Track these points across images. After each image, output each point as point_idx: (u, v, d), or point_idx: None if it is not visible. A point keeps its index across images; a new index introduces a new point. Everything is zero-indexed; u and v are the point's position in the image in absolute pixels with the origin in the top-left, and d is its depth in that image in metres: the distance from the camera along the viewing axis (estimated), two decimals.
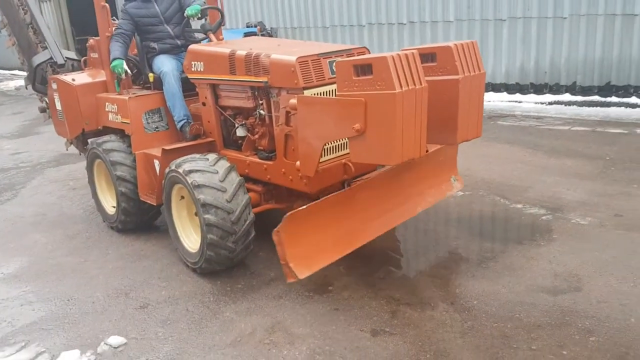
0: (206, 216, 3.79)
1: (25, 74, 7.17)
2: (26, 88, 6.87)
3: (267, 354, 3.23)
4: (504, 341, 3.17)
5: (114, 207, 5.11)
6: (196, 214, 4.08)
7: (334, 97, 3.55)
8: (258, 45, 4.23)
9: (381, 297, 3.72)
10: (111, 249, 4.88)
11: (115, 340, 3.46)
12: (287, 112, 3.80)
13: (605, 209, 4.81)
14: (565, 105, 8.63)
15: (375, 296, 3.74)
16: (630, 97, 8.40)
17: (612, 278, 3.73)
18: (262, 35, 11.81)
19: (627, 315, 3.31)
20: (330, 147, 3.87)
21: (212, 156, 4.07)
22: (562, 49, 8.86)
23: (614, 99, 8.51)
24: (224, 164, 3.98)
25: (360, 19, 11.08)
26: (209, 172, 3.89)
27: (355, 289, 3.85)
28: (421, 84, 3.14)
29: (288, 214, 3.37)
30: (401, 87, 3.02)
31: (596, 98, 8.66)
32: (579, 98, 8.79)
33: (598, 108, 8.28)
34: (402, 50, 3.21)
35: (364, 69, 3.12)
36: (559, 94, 9.06)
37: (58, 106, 5.51)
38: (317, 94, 3.70)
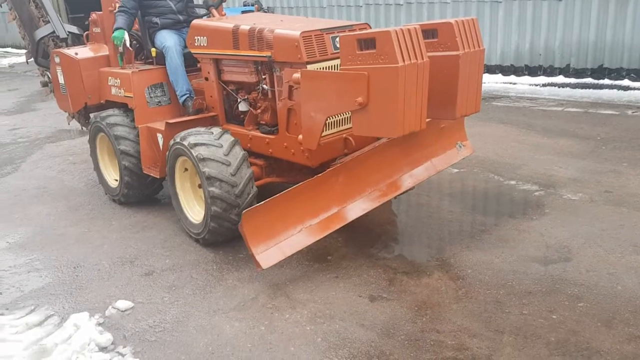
0: (211, 189, 3.88)
1: (24, 50, 7.18)
2: (27, 62, 6.88)
3: (270, 317, 3.37)
4: (497, 306, 3.32)
5: (117, 180, 5.20)
6: (199, 186, 4.18)
7: (337, 71, 3.62)
8: (261, 21, 4.29)
9: (378, 266, 3.86)
10: (114, 220, 4.98)
11: (123, 304, 3.58)
12: (290, 87, 3.87)
13: (596, 186, 4.97)
14: (559, 87, 8.75)
15: (373, 265, 3.88)
16: (622, 79, 8.53)
17: (601, 249, 3.88)
18: None
19: (614, 284, 3.47)
20: (331, 122, 3.95)
21: (216, 130, 4.15)
22: (557, 31, 8.95)
23: (606, 81, 8.63)
24: (228, 138, 4.07)
25: None
26: (214, 146, 3.98)
27: (354, 259, 3.98)
28: (423, 59, 3.23)
29: (244, 211, 3.49)
30: (404, 61, 3.11)
31: (589, 80, 8.78)
32: (573, 80, 8.90)
33: (591, 90, 8.40)
34: (405, 25, 3.29)
35: (367, 43, 3.20)
36: (552, 76, 9.18)
37: (61, 80, 5.55)
38: (320, 68, 3.77)
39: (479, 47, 3.75)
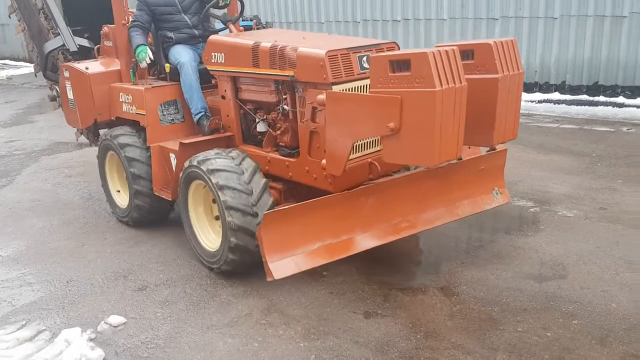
0: (229, 219, 3.67)
1: (22, 62, 7.13)
2: (35, 75, 6.76)
3: (263, 333, 3.35)
4: (491, 323, 3.31)
5: (124, 199, 5.01)
6: (214, 201, 3.95)
7: (366, 93, 3.42)
8: (282, 38, 4.07)
9: (374, 282, 3.84)
10: (109, 234, 4.96)
11: (115, 319, 3.55)
12: (314, 108, 3.65)
13: (590, 202, 4.98)
14: (555, 104, 8.80)
15: (368, 281, 3.86)
16: (617, 96, 8.59)
17: (595, 267, 3.88)
18: (258, 29, 11.85)
19: (609, 301, 3.47)
20: (356, 145, 3.67)
21: (236, 153, 3.93)
22: (552, 48, 9.03)
23: (601, 98, 8.69)
24: (250, 164, 3.84)
25: (355, 15, 11.19)
26: (235, 173, 3.75)
27: (349, 275, 3.96)
28: (461, 82, 3.02)
29: (266, 212, 3.33)
30: (441, 85, 2.90)
31: (584, 97, 8.84)
32: (568, 97, 8.96)
33: (586, 107, 8.45)
34: (439, 45, 3.09)
35: (401, 65, 3.00)
36: (548, 92, 9.24)
37: (70, 95, 5.35)
38: (346, 89, 3.56)
39: (519, 69, 3.54)
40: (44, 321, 3.63)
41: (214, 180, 3.72)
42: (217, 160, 3.82)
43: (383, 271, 4.00)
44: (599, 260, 3.95)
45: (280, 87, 3.96)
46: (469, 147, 4.04)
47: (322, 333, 3.31)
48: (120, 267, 4.30)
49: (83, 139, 6.27)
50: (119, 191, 5.18)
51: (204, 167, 3.81)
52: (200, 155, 3.93)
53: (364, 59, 3.60)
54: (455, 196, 4.00)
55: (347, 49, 3.62)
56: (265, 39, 4.02)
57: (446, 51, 2.97)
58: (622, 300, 3.46)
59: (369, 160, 3.73)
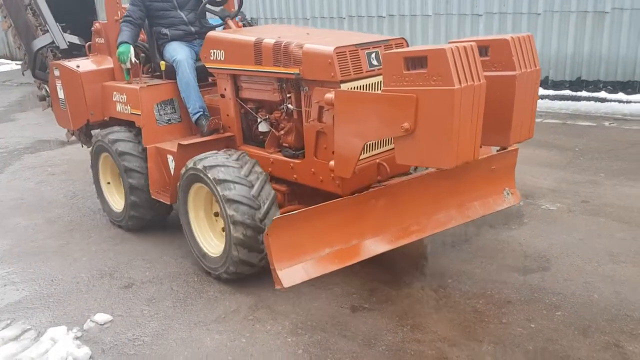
0: (236, 235, 3.56)
1: (2, 59, 6.97)
2: (23, 74, 6.54)
3: (251, 328, 3.36)
4: (476, 316, 3.35)
5: (121, 202, 4.87)
6: (215, 200, 3.82)
7: (378, 92, 3.30)
8: (286, 34, 3.89)
9: (360, 277, 3.87)
10: (93, 232, 4.92)
11: (101, 317, 3.54)
12: (321, 107, 3.48)
13: (573, 196, 5.05)
14: (538, 99, 8.88)
15: (355, 276, 3.88)
16: (599, 91, 8.70)
17: (578, 259, 3.94)
18: (243, 25, 11.80)
19: (591, 292, 3.53)
20: (364, 145, 3.45)
21: (243, 161, 3.77)
22: (536, 44, 9.08)
23: (584, 93, 8.79)
24: (259, 174, 3.69)
25: (341, 11, 11.19)
26: (245, 186, 3.59)
27: (335, 270, 3.97)
28: (480, 80, 2.88)
29: (275, 217, 3.18)
30: (460, 83, 2.75)
31: (567, 92, 8.93)
32: (551, 92, 9.06)
33: (569, 102, 8.55)
34: (452, 42, 2.95)
35: (417, 61, 2.84)
36: None
37: (60, 95, 5.18)
38: (354, 87, 3.41)
39: (536, 66, 3.41)
40: (29, 320, 3.60)
41: (220, 192, 3.58)
42: (225, 168, 3.65)
43: (369, 266, 4.01)
44: (581, 253, 4.02)
45: (284, 85, 3.79)
46: (480, 147, 3.88)
47: (309, 327, 3.33)
48: (106, 265, 4.28)
49: (74, 139, 6.12)
50: (109, 183, 5.03)
51: (210, 175, 3.64)
52: (205, 159, 3.74)
53: (372, 55, 3.48)
54: (466, 197, 3.88)
55: (355, 45, 3.45)
56: (268, 35, 3.85)
57: (464, 47, 2.82)
58: (604, 291, 3.53)
59: (377, 161, 3.60)
